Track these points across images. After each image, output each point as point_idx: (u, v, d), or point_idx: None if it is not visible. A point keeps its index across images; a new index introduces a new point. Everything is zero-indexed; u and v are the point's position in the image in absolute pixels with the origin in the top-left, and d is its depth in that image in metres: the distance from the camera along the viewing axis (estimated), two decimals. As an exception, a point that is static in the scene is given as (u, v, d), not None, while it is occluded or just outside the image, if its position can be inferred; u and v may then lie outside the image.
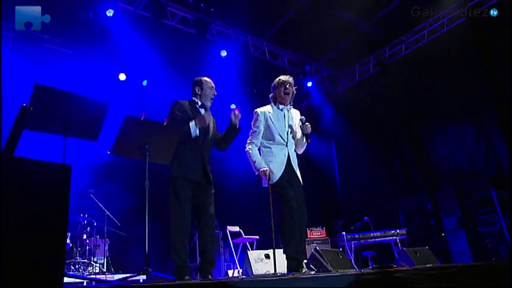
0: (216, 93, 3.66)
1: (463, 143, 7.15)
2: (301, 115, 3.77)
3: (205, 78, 3.66)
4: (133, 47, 7.00)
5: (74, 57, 6.94)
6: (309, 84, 9.14)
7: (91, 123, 3.09)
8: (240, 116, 3.59)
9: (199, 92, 3.59)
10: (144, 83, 7.92)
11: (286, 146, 3.56)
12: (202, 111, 3.51)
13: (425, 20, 7.64)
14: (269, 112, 3.63)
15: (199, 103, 3.57)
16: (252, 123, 3.66)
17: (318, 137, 9.35)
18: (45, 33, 6.61)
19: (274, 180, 3.44)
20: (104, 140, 3.33)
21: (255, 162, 3.50)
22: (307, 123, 3.60)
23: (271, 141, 3.57)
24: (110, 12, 6.40)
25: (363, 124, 8.96)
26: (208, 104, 3.60)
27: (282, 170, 3.48)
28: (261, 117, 3.60)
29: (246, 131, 3.70)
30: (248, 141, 3.62)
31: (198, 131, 3.35)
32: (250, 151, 3.56)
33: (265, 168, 3.42)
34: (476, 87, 6.94)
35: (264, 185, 3.47)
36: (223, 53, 7.75)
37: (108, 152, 3.07)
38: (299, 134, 3.68)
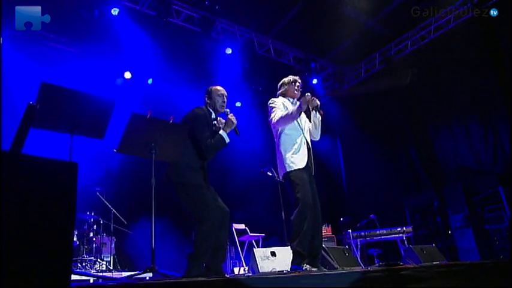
0: (226, 96, 3.58)
1: (470, 140, 7.09)
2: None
3: (214, 87, 3.61)
4: (138, 45, 7.02)
5: (79, 56, 6.99)
6: (315, 81, 9.10)
7: (97, 121, 3.10)
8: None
9: (208, 101, 3.56)
10: (150, 81, 7.94)
11: (303, 133, 3.66)
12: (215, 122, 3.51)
13: (431, 16, 7.58)
14: (284, 101, 3.75)
15: (213, 114, 3.54)
16: (272, 105, 3.69)
17: (323, 134, 9.30)
18: (51, 32, 6.66)
19: (298, 167, 3.47)
20: (110, 138, 3.34)
21: (290, 111, 3.53)
22: (313, 98, 3.69)
23: (290, 127, 3.63)
24: (115, 11, 6.42)
25: (368, 121, 8.92)
26: (221, 110, 3.55)
27: (306, 159, 3.54)
28: (279, 101, 3.70)
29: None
30: (271, 112, 3.64)
31: (228, 138, 3.39)
32: (278, 114, 3.57)
33: (302, 98, 3.50)
34: (484, 83, 6.88)
35: (280, 177, 3.56)
36: (228, 51, 7.74)
37: (115, 150, 3.07)
38: (310, 125, 3.83)
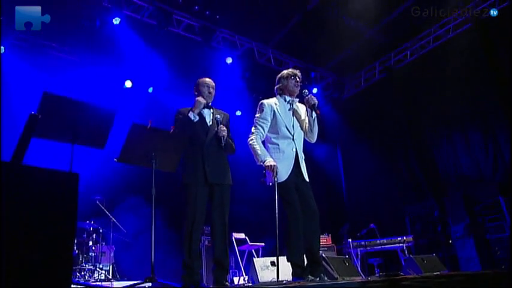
0: (212, 87, 3.65)
1: (470, 149, 7.09)
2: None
3: (201, 79, 3.71)
4: (139, 54, 7.07)
5: (81, 65, 7.02)
6: (314, 90, 9.13)
7: (98, 131, 3.11)
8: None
9: (196, 93, 3.68)
10: (150, 90, 7.97)
11: (293, 140, 3.45)
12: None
13: (430, 26, 7.64)
14: (275, 104, 3.54)
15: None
16: (257, 115, 3.52)
17: (323, 144, 9.33)
18: (54, 41, 6.71)
19: (280, 180, 3.29)
20: (110, 146, 3.35)
21: (258, 154, 3.34)
22: (310, 95, 3.51)
23: (277, 136, 3.44)
24: (116, 21, 6.49)
25: (368, 130, 8.93)
26: (209, 100, 3.62)
27: (290, 168, 3.34)
28: (268, 109, 3.48)
29: (247, 137, 3.61)
30: (252, 132, 3.48)
31: (197, 116, 3.44)
32: (253, 142, 3.40)
33: (271, 163, 3.26)
34: (483, 92, 6.90)
35: (268, 183, 3.32)
36: (229, 60, 7.79)
37: (115, 160, 3.08)
38: (307, 124, 3.59)
